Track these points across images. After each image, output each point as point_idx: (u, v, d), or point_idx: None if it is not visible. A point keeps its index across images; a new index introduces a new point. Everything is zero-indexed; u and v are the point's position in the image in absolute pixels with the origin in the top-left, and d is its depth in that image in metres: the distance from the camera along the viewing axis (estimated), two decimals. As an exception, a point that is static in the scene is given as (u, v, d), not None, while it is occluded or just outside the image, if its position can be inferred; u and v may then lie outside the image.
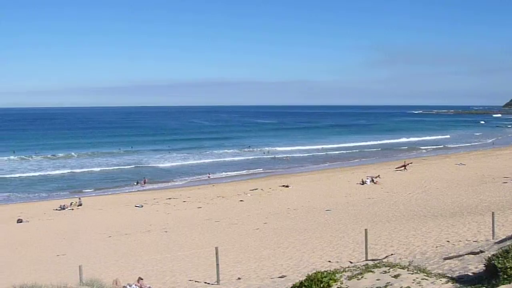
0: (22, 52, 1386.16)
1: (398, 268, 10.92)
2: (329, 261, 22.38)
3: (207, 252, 25.16)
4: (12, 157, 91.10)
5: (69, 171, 76.69)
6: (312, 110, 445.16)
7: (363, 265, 11.98)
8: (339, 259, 22.66)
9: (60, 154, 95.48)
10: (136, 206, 47.95)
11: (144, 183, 64.71)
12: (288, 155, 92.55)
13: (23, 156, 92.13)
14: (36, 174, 74.36)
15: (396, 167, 65.85)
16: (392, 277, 10.31)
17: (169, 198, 51.88)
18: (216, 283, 19.59)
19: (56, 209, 48.30)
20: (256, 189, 55.00)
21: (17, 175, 73.15)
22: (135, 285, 20.55)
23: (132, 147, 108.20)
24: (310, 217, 37.89)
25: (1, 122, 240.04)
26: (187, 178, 69.97)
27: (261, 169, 76.28)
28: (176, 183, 65.90)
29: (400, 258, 19.06)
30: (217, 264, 19.73)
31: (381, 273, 10.65)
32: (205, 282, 20.27)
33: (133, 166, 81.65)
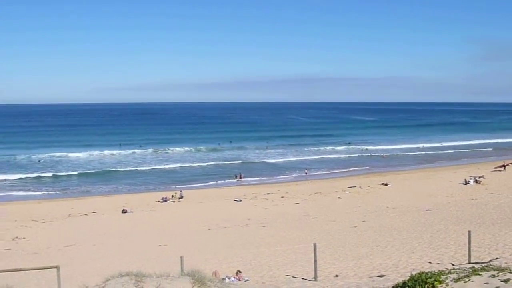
0: (129, 49, 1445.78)
1: (508, 272, 10.36)
2: (430, 262, 21.69)
3: (304, 248, 25.09)
4: (118, 151, 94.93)
5: (171, 165, 79.18)
6: (412, 107, 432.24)
7: (469, 268, 11.48)
8: (440, 260, 21.90)
9: (162, 148, 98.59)
10: (235, 200, 48.66)
11: (240, 178, 65.60)
12: (386, 153, 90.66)
13: (129, 150, 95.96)
14: (140, 168, 77.24)
15: (494, 167, 62.84)
16: (502, 281, 9.80)
17: (267, 193, 52.27)
18: (313, 279, 19.47)
19: (158, 201, 49.94)
20: (355, 186, 54.33)
21: (123, 168, 76.36)
22: (234, 277, 20.84)
23: (231, 142, 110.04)
24: (410, 216, 36.91)
25: (109, 117, 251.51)
26: (285, 173, 70.23)
27: (359, 166, 75.31)
28: (274, 179, 66.26)
29: (506, 263, 18.14)
30: (315, 261, 19.61)
31: (489, 276, 10.15)
32: (303, 278, 20.20)
33: (232, 161, 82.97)
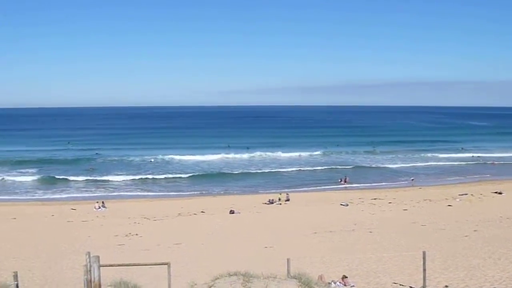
0: (244, 52, 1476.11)
1: None
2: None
3: (412, 256, 24.52)
4: (226, 155, 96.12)
5: (278, 168, 79.82)
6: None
7: None
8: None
9: (270, 151, 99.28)
10: (341, 205, 48.30)
11: (345, 181, 65.03)
12: (497, 161, 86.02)
13: (237, 153, 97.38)
14: (247, 170, 78.57)
15: None
16: None
17: (374, 199, 51.49)
18: (421, 288, 19.01)
19: (265, 203, 50.53)
20: (466, 194, 52.31)
21: (231, 170, 77.99)
22: (340, 282, 20.74)
23: (338, 146, 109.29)
24: (527, 227, 35.07)
25: (222, 120, 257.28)
26: (392, 179, 68.86)
27: (470, 174, 72.29)
28: (381, 184, 65.13)
29: None
30: (424, 269, 19.14)
31: None
32: (410, 287, 19.77)
33: (338, 165, 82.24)
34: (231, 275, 12.66)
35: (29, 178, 70.55)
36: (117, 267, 19.59)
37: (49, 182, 67.60)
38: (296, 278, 12.83)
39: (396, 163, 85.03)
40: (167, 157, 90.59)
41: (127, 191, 62.05)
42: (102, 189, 62.92)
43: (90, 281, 13.77)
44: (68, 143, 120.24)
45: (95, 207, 48.57)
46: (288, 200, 51.64)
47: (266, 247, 31.90)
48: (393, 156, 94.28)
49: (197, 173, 74.42)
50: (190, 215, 45.59)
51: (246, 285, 11.87)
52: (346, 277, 21.23)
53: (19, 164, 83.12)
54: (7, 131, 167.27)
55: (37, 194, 59.72)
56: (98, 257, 7.16)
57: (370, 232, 36.02)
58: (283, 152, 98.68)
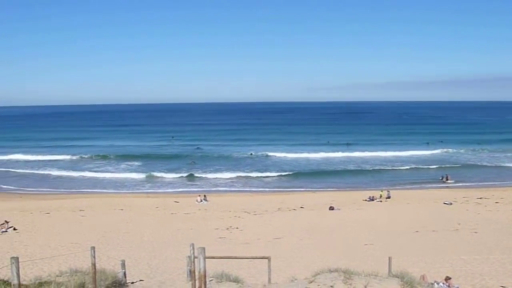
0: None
1: None
2: None
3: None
4: (325, 153, 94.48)
5: (378, 166, 78.36)
6: None
7: None
8: None
9: (370, 149, 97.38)
10: (444, 203, 46.78)
11: (447, 179, 62.84)
12: None
13: (334, 152, 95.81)
14: (347, 167, 77.85)
15: None
16: None
17: (480, 198, 49.44)
18: (532, 293, 18.09)
19: (365, 200, 49.86)
20: None
21: (330, 167, 77.54)
22: (443, 283, 20.13)
23: (441, 142, 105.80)
24: None
25: (319, 115, 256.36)
26: (499, 178, 65.80)
27: None
28: (488, 183, 62.34)
29: None
30: (535, 273, 18.20)
31: None
32: (520, 291, 18.87)
33: (441, 164, 79.46)
34: (332, 271, 12.61)
35: (135, 172, 73.77)
36: (218, 259, 20.05)
37: (153, 175, 70.13)
38: (398, 277, 12.58)
39: (503, 162, 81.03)
40: (266, 153, 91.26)
41: (227, 185, 63.25)
42: (203, 183, 64.47)
43: (194, 271, 14.16)
44: (172, 137, 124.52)
45: (197, 200, 49.86)
46: (389, 197, 50.69)
47: (366, 244, 31.51)
48: (502, 154, 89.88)
49: (296, 170, 74.44)
50: (289, 210, 45.78)
51: (347, 281, 11.78)
52: (450, 278, 20.57)
53: (126, 158, 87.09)
54: (118, 126, 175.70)
55: (142, 187, 62.19)
56: (203, 248, 7.37)
57: (475, 232, 34.66)
58: (383, 149, 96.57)
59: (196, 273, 13.61)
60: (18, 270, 7.27)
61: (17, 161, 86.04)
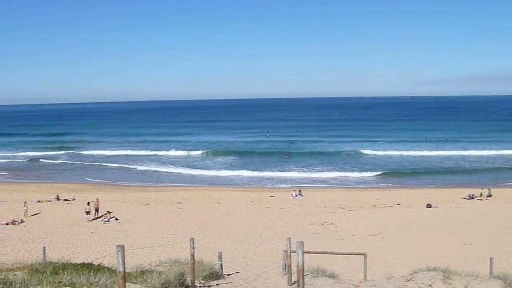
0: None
1: None
2: None
3: None
4: (421, 151, 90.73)
5: (478, 163, 75.60)
6: None
7: None
8: None
9: (467, 145, 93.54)
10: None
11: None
12: None
13: (432, 150, 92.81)
14: (443, 164, 75.57)
15: None
16: None
17: None
18: None
19: (465, 198, 48.21)
20: None
21: (426, 164, 75.54)
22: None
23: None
24: None
25: (413, 110, 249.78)
26: None
27: None
28: None
29: None
30: None
31: None
32: None
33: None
34: (430, 270, 12.34)
35: (231, 166, 75.27)
36: (313, 254, 20.06)
37: (248, 170, 71.06)
38: (500, 279, 12.12)
39: None
40: (360, 150, 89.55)
41: (322, 181, 63.08)
42: (298, 178, 64.63)
43: (290, 265, 14.31)
44: (267, 132, 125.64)
45: (292, 195, 50.09)
46: (490, 195, 48.75)
47: (465, 244, 30.49)
48: None
49: (391, 167, 72.99)
50: (385, 207, 45.07)
51: (446, 281, 11.48)
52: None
53: (222, 153, 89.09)
54: (213, 122, 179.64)
55: (238, 182, 63.17)
56: (302, 242, 7.45)
57: None
58: (483, 146, 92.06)
59: (293, 267, 13.76)
60: (124, 258, 7.64)
61: (117, 156, 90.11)
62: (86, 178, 67.52)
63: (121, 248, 7.57)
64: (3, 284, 6.73)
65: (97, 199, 43.14)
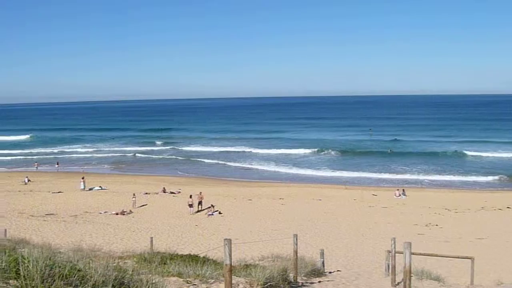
0: None
1: None
2: None
3: None
4: None
5: None
6: None
7: None
8: None
9: None
10: None
11: None
12: None
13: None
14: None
15: None
16: None
17: None
18: None
19: None
20: None
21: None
22: None
23: None
24: None
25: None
26: None
27: None
28: None
29: None
30: None
31: None
32: None
33: None
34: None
35: (333, 164, 74.92)
36: (418, 255, 19.60)
37: (351, 167, 70.40)
38: None
39: None
40: (464, 151, 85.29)
41: (426, 181, 61.19)
42: (401, 177, 63.12)
43: (394, 266, 14.06)
44: (370, 130, 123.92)
45: (395, 194, 49.12)
46: None
47: None
48: None
49: (501, 169, 69.21)
50: (494, 209, 43.14)
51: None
52: None
53: (323, 151, 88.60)
54: (313, 120, 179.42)
55: (340, 179, 62.60)
56: (410, 243, 7.29)
57: None
58: None
59: (398, 268, 13.53)
60: (230, 251, 7.82)
61: (219, 152, 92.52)
62: (189, 172, 69.58)
63: (228, 241, 7.75)
64: (117, 271, 7.07)
65: (201, 192, 44.37)
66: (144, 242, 26.39)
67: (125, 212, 40.84)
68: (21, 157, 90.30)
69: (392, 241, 14.08)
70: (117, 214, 40.27)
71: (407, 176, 64.01)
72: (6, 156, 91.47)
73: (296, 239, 14.13)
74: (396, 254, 14.12)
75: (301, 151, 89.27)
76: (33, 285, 5.91)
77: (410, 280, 7.83)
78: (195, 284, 9.26)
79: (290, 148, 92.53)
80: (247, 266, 13.05)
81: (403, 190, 50.23)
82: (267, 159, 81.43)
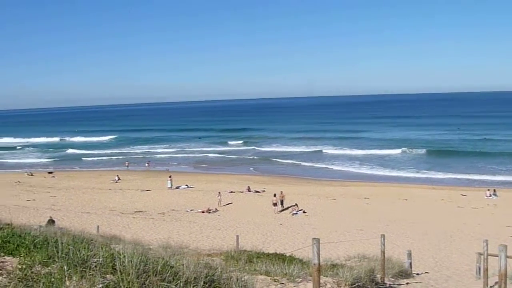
0: None
1: None
2: None
3: None
4: None
5: None
6: None
7: None
8: None
9: None
10: None
11: None
12: None
13: None
14: None
15: None
16: None
17: None
18: None
19: None
20: None
21: None
22: None
23: None
24: None
25: None
26: None
27: None
28: None
29: None
30: None
31: None
32: None
33: None
34: None
35: (420, 163, 73.40)
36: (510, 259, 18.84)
37: (438, 167, 68.51)
38: None
39: None
40: None
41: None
42: (491, 177, 60.61)
43: (486, 269, 13.58)
44: (458, 129, 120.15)
45: (486, 195, 47.33)
46: None
47: None
48: None
49: None
50: None
51: None
52: None
53: (411, 150, 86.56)
54: (397, 118, 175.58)
55: (426, 180, 61.10)
56: (506, 246, 6.99)
57: None
58: None
59: (490, 271, 13.06)
60: (319, 251, 7.80)
61: (300, 152, 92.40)
62: (271, 172, 69.86)
63: (317, 241, 7.74)
64: (208, 268, 7.23)
65: (282, 192, 44.45)
66: (229, 240, 26.77)
67: (210, 210, 41.63)
68: (108, 157, 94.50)
69: (484, 243, 13.61)
70: (203, 212, 41.12)
71: (498, 178, 61.21)
72: (95, 156, 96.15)
73: (384, 239, 13.94)
74: (489, 257, 13.62)
75: (386, 151, 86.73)
76: (128, 280, 6.13)
77: (505, 284, 7.51)
78: (282, 283, 9.32)
79: (374, 148, 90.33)
80: (333, 265, 12.99)
81: (494, 190, 48.29)
82: (351, 159, 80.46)
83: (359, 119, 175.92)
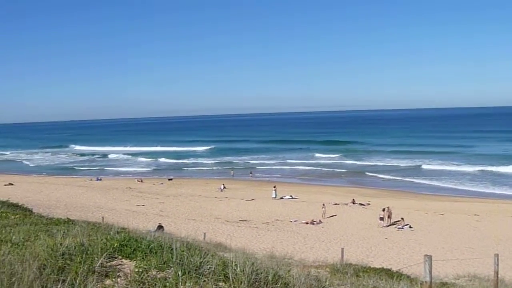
0: None
1: None
2: None
3: None
4: None
5: None
6: None
7: None
8: None
9: None
10: None
11: None
12: None
13: None
14: None
15: None
16: None
17: None
18: None
19: None
20: None
21: None
22: None
23: None
24: None
25: None
26: None
27: None
28: None
29: None
30: None
31: None
32: None
33: None
34: None
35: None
36: None
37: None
38: None
39: None
40: None
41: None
42: None
43: None
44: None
45: None
46: None
47: None
48: None
49: None
50: None
51: None
52: None
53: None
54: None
55: None
56: None
57: None
58: None
59: None
60: (431, 268, 7.56)
61: (404, 166, 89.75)
62: (376, 186, 68.42)
63: (429, 258, 7.51)
64: (317, 281, 7.22)
65: (388, 207, 43.28)
66: (333, 252, 26.57)
67: (314, 221, 41.52)
68: (209, 167, 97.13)
69: None
70: (306, 223, 41.09)
71: None
72: (200, 166, 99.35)
73: (497, 259, 13.30)
74: None
75: (499, 168, 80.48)
76: (241, 288, 6.21)
77: None
78: (392, 299, 9.13)
79: (482, 165, 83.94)
80: (443, 284, 12.59)
81: None
82: (456, 174, 76.90)
83: (459, 132, 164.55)
